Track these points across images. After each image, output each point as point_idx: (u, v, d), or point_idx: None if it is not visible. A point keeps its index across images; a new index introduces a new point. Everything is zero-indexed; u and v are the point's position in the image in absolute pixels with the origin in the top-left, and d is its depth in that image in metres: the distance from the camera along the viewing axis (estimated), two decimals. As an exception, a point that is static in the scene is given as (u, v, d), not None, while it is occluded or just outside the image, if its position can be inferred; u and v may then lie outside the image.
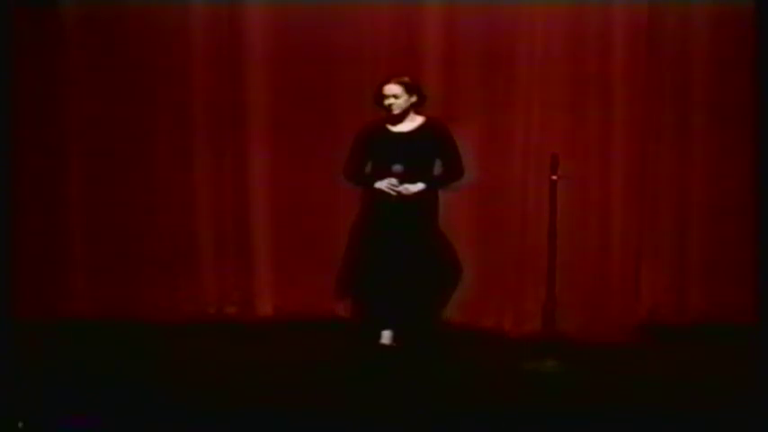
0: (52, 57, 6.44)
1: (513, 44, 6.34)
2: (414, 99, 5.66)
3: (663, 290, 6.56)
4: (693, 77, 6.43)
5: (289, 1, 6.39)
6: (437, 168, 5.76)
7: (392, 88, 5.61)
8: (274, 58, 6.48)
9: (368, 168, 5.76)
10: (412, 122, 5.71)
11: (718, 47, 6.37)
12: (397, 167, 5.57)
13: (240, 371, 5.60)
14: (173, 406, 5.02)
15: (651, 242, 6.52)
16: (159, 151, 6.55)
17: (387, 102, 5.62)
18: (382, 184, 5.60)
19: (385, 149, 5.67)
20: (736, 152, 6.41)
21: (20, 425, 4.62)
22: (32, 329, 6.05)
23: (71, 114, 6.50)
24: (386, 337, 5.75)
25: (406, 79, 5.65)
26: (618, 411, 5.01)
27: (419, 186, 5.61)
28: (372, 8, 6.38)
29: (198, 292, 6.63)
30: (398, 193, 5.57)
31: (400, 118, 5.67)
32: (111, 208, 6.55)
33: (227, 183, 6.61)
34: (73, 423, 4.66)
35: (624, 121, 6.27)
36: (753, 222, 6.33)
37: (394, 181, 5.58)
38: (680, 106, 6.46)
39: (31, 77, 6.41)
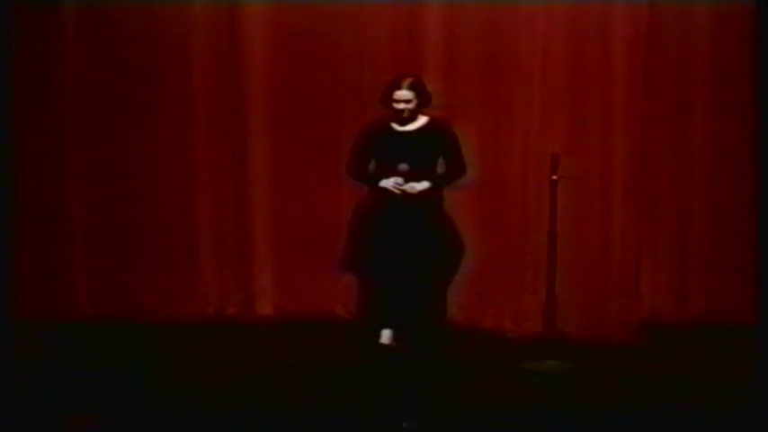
0: (52, 57, 6.44)
1: (514, 44, 6.33)
2: (421, 100, 5.68)
3: (663, 290, 6.57)
4: (693, 77, 6.43)
5: (289, 1, 6.39)
6: (440, 167, 5.79)
7: (405, 94, 5.62)
8: (274, 58, 6.48)
9: (371, 166, 5.79)
10: (416, 122, 5.74)
11: (718, 47, 6.37)
12: (403, 166, 5.62)
13: (240, 371, 5.60)
14: (173, 406, 5.03)
15: (651, 242, 6.52)
16: (159, 151, 6.54)
17: (398, 106, 5.63)
18: (388, 183, 5.62)
19: (390, 148, 5.70)
20: (736, 152, 6.41)
21: None
22: (32, 329, 6.05)
23: (71, 115, 6.49)
24: (386, 336, 5.76)
25: (417, 82, 5.67)
26: (618, 411, 5.02)
27: (424, 185, 5.64)
28: (373, 8, 6.38)
29: (198, 292, 6.63)
30: (403, 191, 5.60)
31: (409, 119, 5.69)
32: (111, 208, 6.54)
33: (228, 183, 6.61)
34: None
35: (624, 120, 6.27)
36: (753, 222, 6.33)
37: (399, 180, 5.61)
38: (680, 106, 6.46)
39: (30, 77, 6.40)
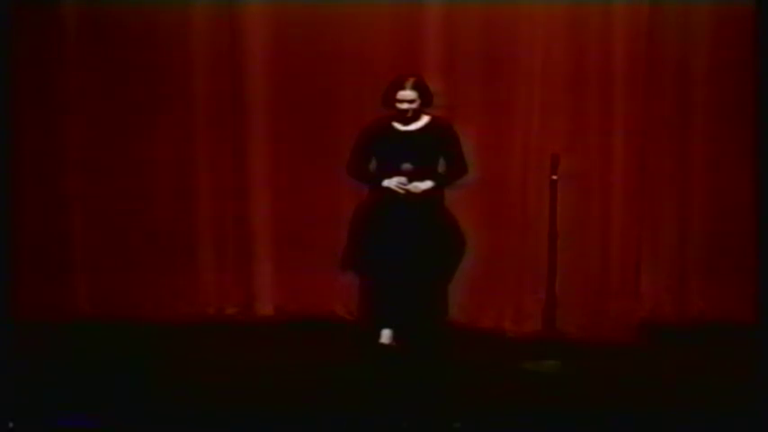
0: (52, 56, 6.43)
1: (514, 44, 6.33)
2: (424, 100, 5.69)
3: (663, 290, 6.57)
4: (693, 77, 6.43)
5: (289, 1, 6.39)
6: (441, 166, 5.80)
7: (408, 94, 5.64)
8: (274, 58, 6.48)
9: (372, 166, 5.79)
10: (418, 121, 5.75)
11: (718, 47, 6.37)
12: (407, 166, 5.64)
13: (240, 371, 5.60)
14: (173, 406, 5.03)
15: (651, 242, 6.52)
16: (159, 151, 6.54)
17: (402, 106, 5.65)
18: (391, 183, 5.64)
19: (392, 148, 5.72)
20: (736, 152, 6.41)
21: (10, 425, 4.62)
22: (32, 329, 6.04)
23: (71, 115, 6.49)
24: (385, 336, 5.76)
25: (420, 82, 5.68)
26: (618, 411, 5.01)
27: (428, 184, 5.66)
28: (372, 8, 6.38)
29: (198, 292, 6.63)
30: (407, 191, 5.61)
31: (411, 119, 5.70)
32: (111, 208, 6.54)
33: (228, 183, 6.60)
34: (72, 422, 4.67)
35: (624, 120, 6.27)
36: (753, 222, 6.33)
37: (403, 179, 5.63)
38: (680, 106, 6.46)
39: (30, 77, 6.40)
